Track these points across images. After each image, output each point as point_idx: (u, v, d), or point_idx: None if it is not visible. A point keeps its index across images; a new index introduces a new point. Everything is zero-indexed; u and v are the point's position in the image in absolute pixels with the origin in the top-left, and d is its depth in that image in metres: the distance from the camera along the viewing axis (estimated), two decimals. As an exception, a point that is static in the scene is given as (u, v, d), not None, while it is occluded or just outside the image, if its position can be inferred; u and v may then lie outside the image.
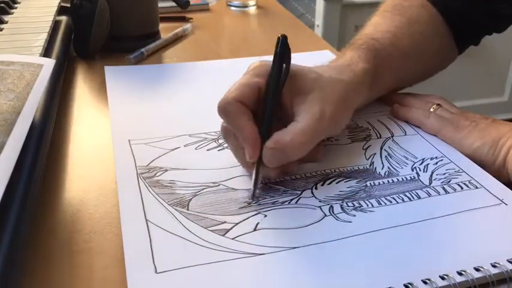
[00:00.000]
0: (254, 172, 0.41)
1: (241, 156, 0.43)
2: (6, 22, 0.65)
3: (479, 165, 0.45)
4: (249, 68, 0.44)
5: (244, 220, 0.38)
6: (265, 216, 0.38)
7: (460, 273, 0.33)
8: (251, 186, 0.41)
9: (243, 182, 0.42)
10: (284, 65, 0.42)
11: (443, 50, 0.60)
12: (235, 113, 0.41)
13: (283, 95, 0.43)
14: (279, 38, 0.43)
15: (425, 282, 0.32)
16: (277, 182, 0.43)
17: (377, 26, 0.56)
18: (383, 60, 0.51)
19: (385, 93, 0.56)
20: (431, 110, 0.51)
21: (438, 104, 0.51)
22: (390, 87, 0.56)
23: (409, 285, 0.32)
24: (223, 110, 0.41)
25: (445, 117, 0.49)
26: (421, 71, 0.59)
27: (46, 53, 0.57)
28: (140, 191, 0.41)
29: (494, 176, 0.43)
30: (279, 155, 0.40)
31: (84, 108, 0.58)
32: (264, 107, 0.42)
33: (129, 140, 0.48)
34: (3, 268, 0.29)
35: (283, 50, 0.43)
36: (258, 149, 0.40)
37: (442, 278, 0.32)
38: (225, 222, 0.37)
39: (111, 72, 0.64)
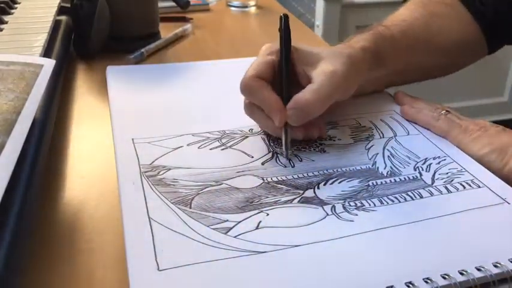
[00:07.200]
0: (283, 135, 0.45)
1: (270, 126, 0.47)
2: (6, 22, 0.65)
3: None
4: (261, 50, 0.50)
5: (246, 218, 0.38)
6: (267, 214, 0.38)
7: (461, 273, 0.33)
8: (284, 148, 0.45)
9: (245, 181, 0.42)
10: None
11: (467, 46, 0.61)
12: (256, 88, 0.46)
13: (296, 68, 0.48)
14: (281, 17, 0.48)
15: (426, 282, 0.32)
16: (279, 181, 0.42)
17: (395, 15, 0.59)
18: (388, 43, 0.54)
19: (398, 80, 0.58)
20: (442, 114, 0.51)
21: (447, 111, 0.51)
22: (400, 71, 0.56)
23: (410, 285, 0.32)
24: (246, 87, 0.46)
25: (455, 121, 0.49)
26: (438, 63, 0.60)
27: (46, 53, 0.57)
28: (143, 189, 0.40)
29: None
30: (299, 113, 0.44)
31: (84, 108, 0.58)
32: (280, 77, 0.47)
33: (132, 139, 0.47)
34: (3, 268, 0.29)
35: (287, 25, 0.48)
36: (283, 115, 0.44)
37: (444, 277, 0.32)
38: (227, 220, 0.37)
39: (113, 72, 0.63)
